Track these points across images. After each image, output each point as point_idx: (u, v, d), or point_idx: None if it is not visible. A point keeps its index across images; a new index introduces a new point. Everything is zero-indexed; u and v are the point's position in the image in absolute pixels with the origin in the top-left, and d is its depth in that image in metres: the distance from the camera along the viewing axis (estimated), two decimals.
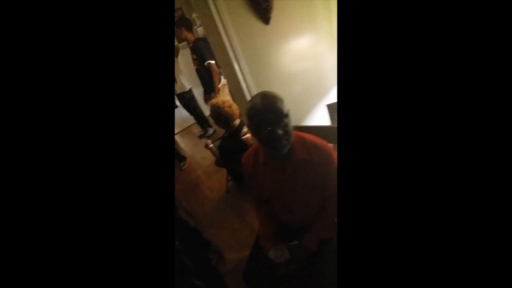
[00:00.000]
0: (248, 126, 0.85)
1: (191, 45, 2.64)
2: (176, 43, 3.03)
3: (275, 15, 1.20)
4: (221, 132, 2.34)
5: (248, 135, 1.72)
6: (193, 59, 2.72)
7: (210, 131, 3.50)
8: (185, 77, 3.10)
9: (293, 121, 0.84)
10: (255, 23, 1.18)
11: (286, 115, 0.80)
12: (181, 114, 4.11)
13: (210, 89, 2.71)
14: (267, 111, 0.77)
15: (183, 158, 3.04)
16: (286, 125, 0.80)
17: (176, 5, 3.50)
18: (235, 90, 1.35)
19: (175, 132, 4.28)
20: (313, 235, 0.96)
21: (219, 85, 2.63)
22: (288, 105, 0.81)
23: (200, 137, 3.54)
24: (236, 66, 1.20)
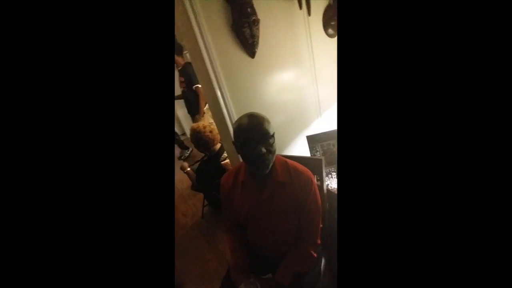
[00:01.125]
0: (234, 143, 0.86)
1: (179, 68, 2.69)
2: None
3: (260, 50, 1.26)
4: (198, 155, 2.31)
5: (227, 160, 1.71)
6: (180, 82, 2.76)
7: (186, 153, 3.46)
8: None
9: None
10: (241, 55, 1.24)
11: (271, 136, 0.82)
12: None
13: (195, 111, 2.74)
14: (253, 129, 0.79)
15: None
16: (271, 145, 0.82)
17: None
18: (217, 116, 1.37)
19: None
20: (287, 269, 0.92)
21: (204, 108, 2.66)
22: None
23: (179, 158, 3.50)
24: (218, 93, 1.23)
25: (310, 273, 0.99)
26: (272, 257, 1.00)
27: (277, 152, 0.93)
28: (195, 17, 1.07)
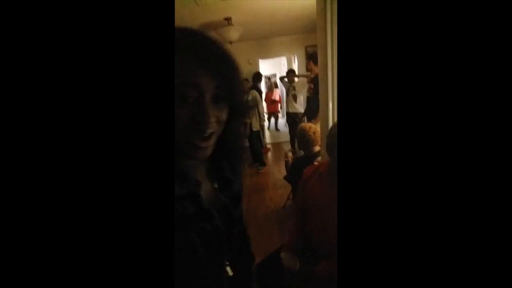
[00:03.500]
0: (327, 137, 1.00)
1: (313, 76, 2.98)
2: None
3: None
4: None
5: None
6: (310, 88, 3.06)
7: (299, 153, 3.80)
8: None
9: None
10: None
11: None
12: (283, 128, 4.58)
13: (313, 117, 2.96)
14: None
15: (263, 164, 3.41)
16: None
17: (314, 42, 4.09)
18: (323, 122, 1.53)
19: (270, 141, 4.76)
20: (328, 264, 0.97)
21: None
22: None
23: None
24: (330, 105, 1.38)
25: None
26: (321, 255, 1.07)
27: None
28: (331, 32, 1.27)
